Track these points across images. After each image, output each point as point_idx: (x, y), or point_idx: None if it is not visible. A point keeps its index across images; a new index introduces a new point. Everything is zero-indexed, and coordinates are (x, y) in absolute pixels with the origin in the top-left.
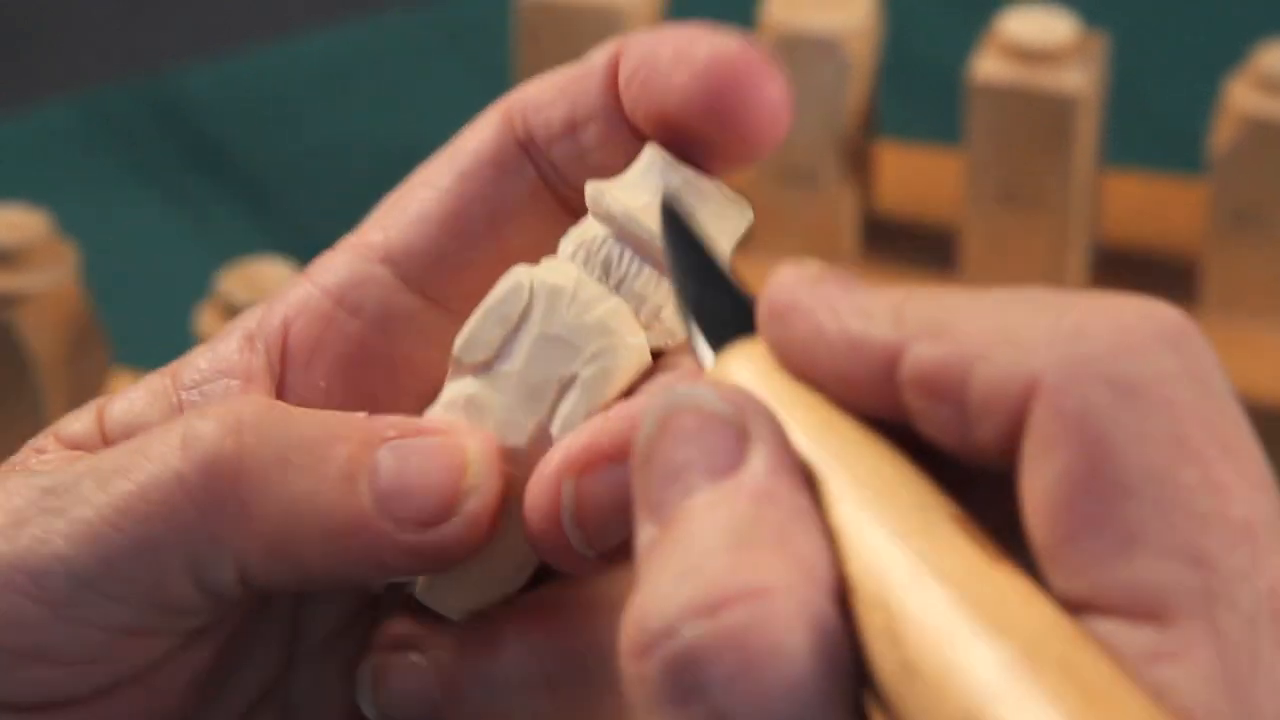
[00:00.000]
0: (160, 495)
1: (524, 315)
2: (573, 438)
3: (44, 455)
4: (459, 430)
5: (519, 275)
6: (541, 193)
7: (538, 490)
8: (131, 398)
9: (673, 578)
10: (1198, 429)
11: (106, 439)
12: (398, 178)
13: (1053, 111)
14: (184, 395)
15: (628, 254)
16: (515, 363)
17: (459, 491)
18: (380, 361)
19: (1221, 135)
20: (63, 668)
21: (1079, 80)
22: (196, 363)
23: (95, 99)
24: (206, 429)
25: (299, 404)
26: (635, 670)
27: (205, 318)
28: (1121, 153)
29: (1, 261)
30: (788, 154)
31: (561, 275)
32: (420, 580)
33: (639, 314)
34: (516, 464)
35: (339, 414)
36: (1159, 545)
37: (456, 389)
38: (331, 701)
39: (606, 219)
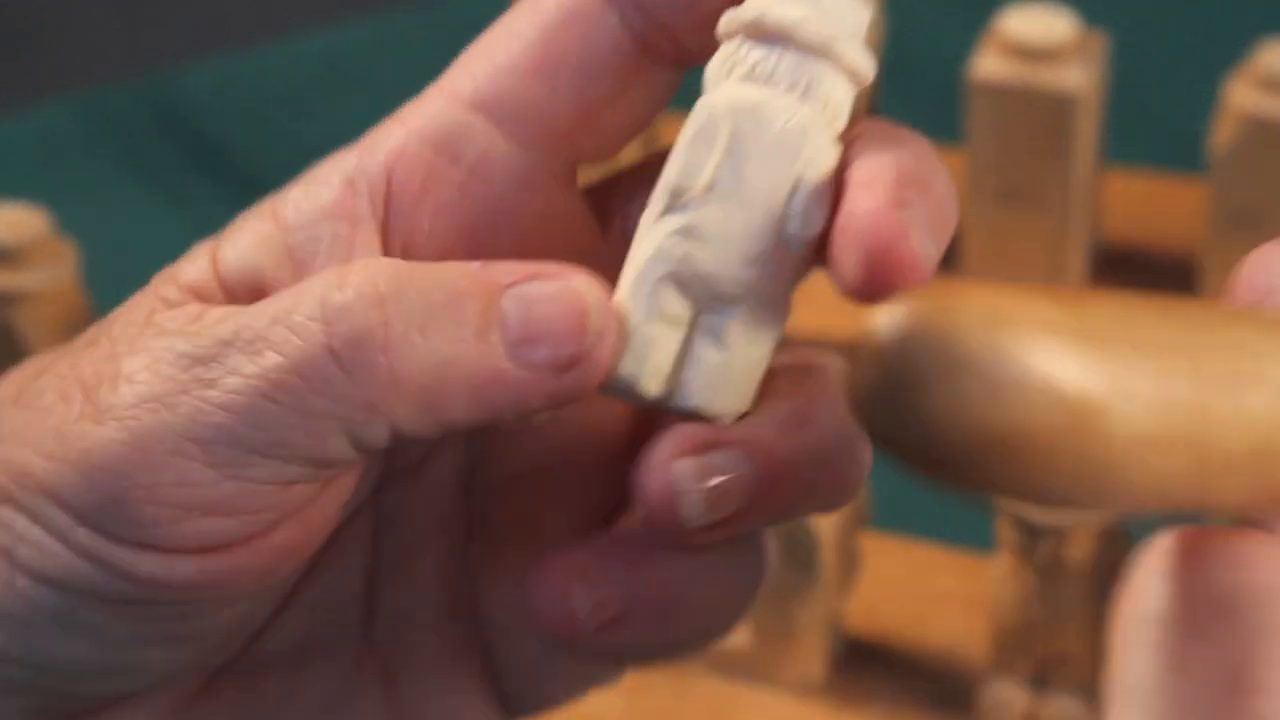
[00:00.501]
0: (313, 370)
1: (732, 137)
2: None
3: (172, 310)
4: (570, 273)
5: (711, 103)
6: (625, 42)
7: (651, 472)
8: (239, 244)
9: None
10: None
11: (224, 285)
12: None
13: (1053, 110)
14: (291, 239)
15: (781, 56)
16: (737, 180)
17: (585, 337)
18: (481, 207)
19: (1221, 134)
20: (227, 518)
21: (1079, 79)
22: (297, 203)
23: (95, 99)
24: (348, 301)
25: (405, 248)
26: None
27: None
28: (1121, 151)
29: (1, 260)
30: None
31: (747, 94)
32: (692, 394)
33: (822, 111)
34: (763, 268)
35: (459, 267)
36: None
37: (671, 223)
38: (417, 511)
39: (751, 26)
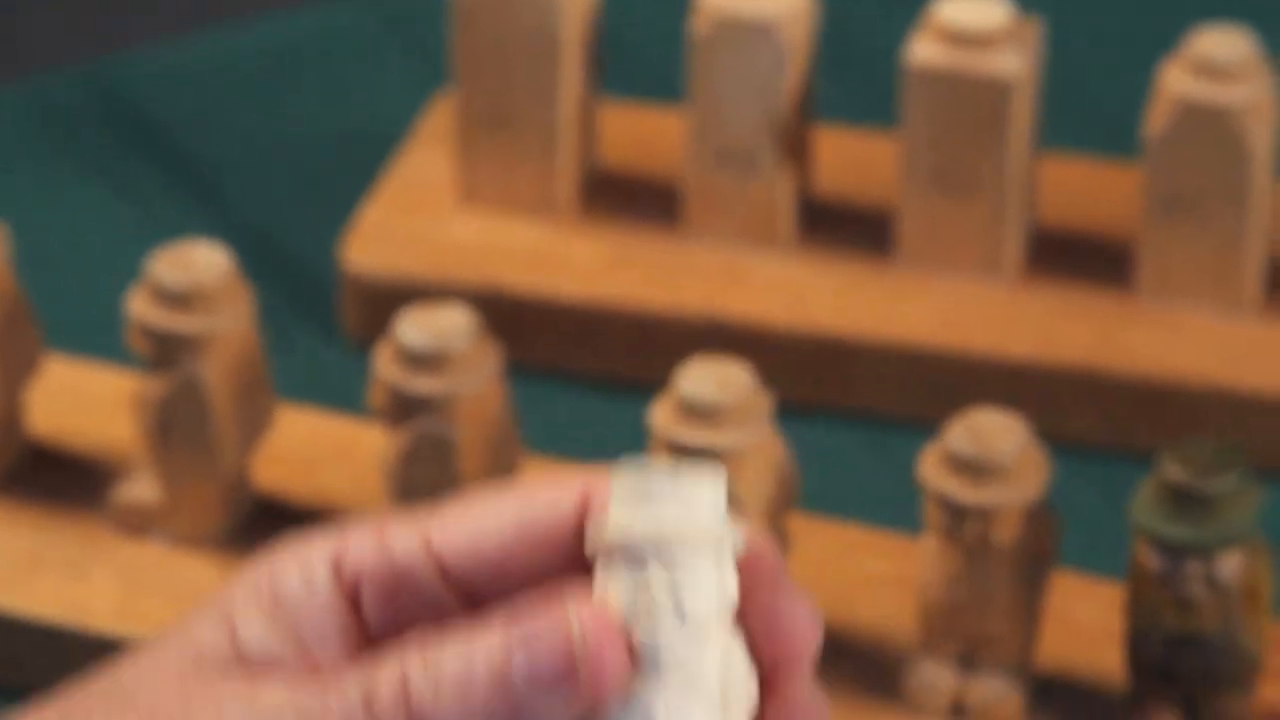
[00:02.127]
0: None
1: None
2: None
3: (216, 688)
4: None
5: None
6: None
7: None
8: (250, 623)
9: None
10: None
11: (242, 658)
12: (340, 164)
13: (988, 96)
14: (299, 627)
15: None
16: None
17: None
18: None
19: (1156, 120)
20: None
21: (1014, 64)
22: (294, 590)
23: (35, 85)
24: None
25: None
26: None
27: (137, 301)
28: (1057, 137)
29: None
30: (724, 137)
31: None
32: None
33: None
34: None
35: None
36: None
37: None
38: None
39: (628, 548)
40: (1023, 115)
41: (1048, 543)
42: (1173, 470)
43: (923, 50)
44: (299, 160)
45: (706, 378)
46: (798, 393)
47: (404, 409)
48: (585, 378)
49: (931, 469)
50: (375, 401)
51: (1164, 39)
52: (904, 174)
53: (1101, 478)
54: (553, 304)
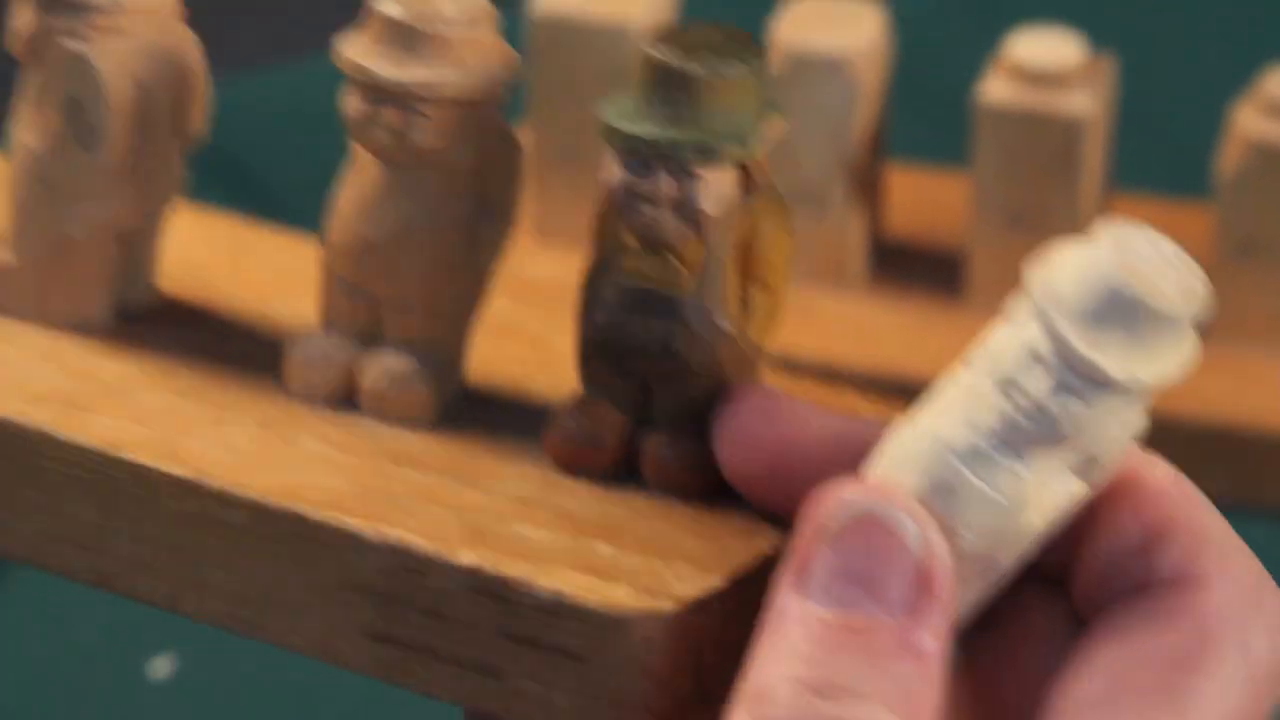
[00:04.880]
0: None
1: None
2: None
3: None
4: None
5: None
6: None
7: None
8: None
9: (810, 685)
10: None
11: None
12: None
13: (1060, 135)
14: None
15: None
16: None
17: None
18: None
19: (1228, 160)
20: None
21: (1086, 103)
22: None
23: None
24: None
25: None
26: None
27: None
28: (1129, 176)
29: None
30: (796, 175)
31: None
32: None
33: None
34: None
35: None
36: None
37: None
38: None
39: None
40: (1094, 154)
41: (508, 192)
42: (656, 50)
43: (994, 88)
44: None
45: None
46: None
47: None
48: None
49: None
50: None
51: (1236, 78)
52: (975, 213)
53: None
54: None
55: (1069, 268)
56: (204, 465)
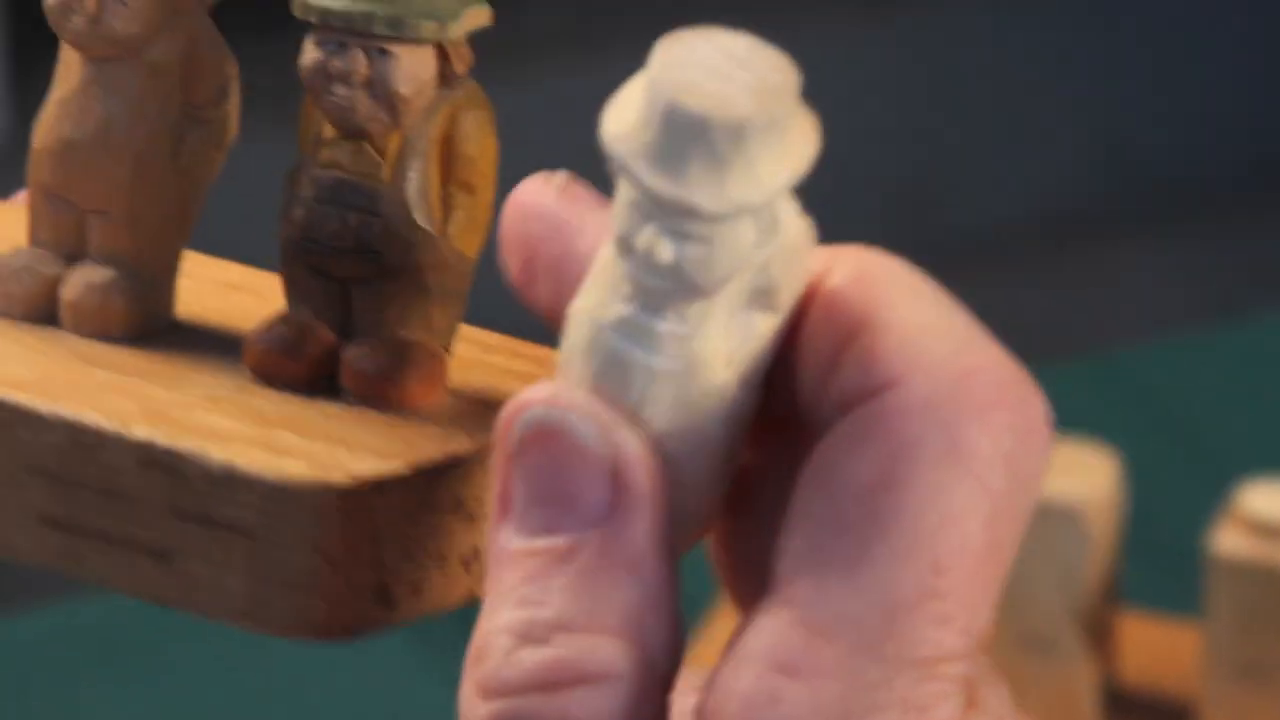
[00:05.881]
0: None
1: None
2: None
3: None
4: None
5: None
6: None
7: None
8: None
9: (518, 632)
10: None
11: None
12: None
13: None
14: None
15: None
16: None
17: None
18: None
19: None
20: None
21: None
22: None
23: None
24: None
25: None
26: (469, 701)
27: None
28: None
29: None
30: (1027, 620)
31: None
32: None
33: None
34: None
35: None
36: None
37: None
38: None
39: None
40: None
41: (220, 104)
42: None
43: (1226, 540)
44: None
45: None
46: None
47: None
48: None
49: None
50: None
51: None
52: (1207, 665)
53: None
54: None
55: (631, 104)
56: None
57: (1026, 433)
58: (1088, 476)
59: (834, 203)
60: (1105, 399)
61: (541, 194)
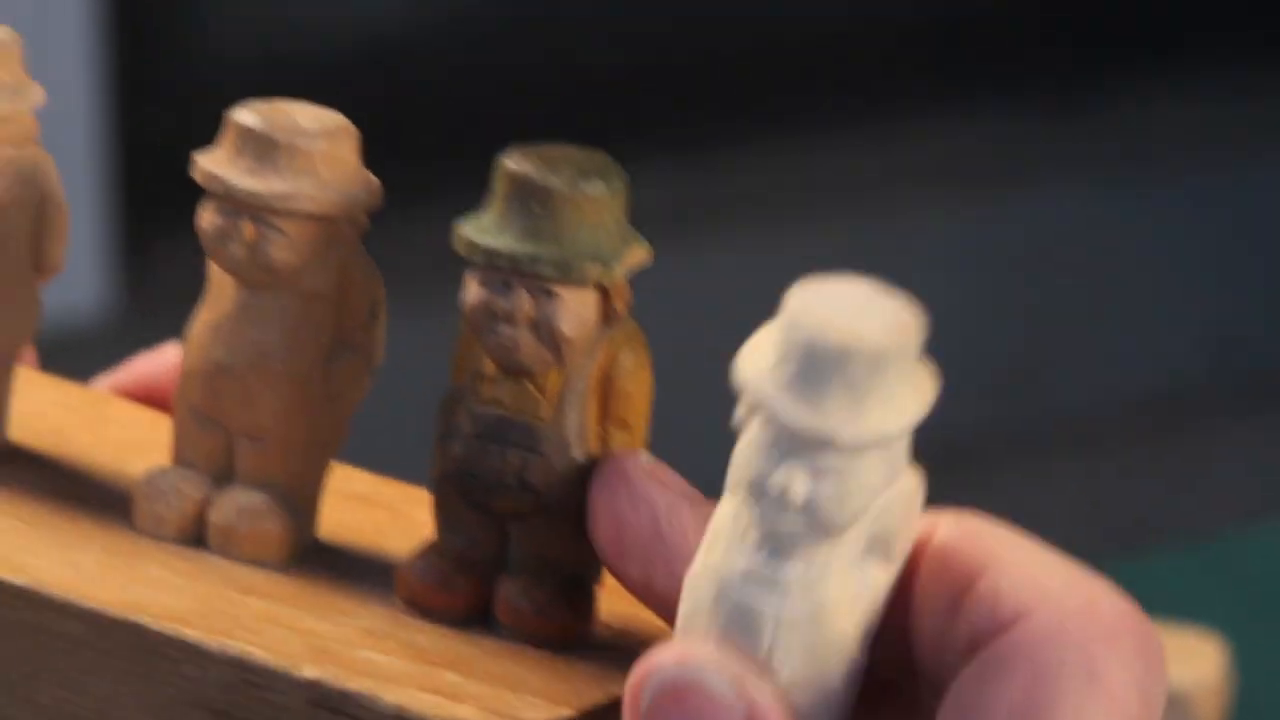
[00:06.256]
0: None
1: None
2: None
3: None
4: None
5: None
6: None
7: None
8: None
9: None
10: None
11: None
12: None
13: None
14: None
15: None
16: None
17: None
18: None
19: None
20: None
21: None
22: None
23: None
24: None
25: None
26: None
27: None
28: None
29: None
30: None
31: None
32: None
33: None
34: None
35: None
36: None
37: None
38: None
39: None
40: None
41: (370, 328)
42: (515, 162)
43: None
44: None
45: None
46: None
47: None
48: None
49: None
50: None
51: None
52: None
53: None
54: None
55: (765, 345)
56: (44, 578)
57: (1151, 658)
58: (1195, 664)
59: (939, 384)
60: (1210, 585)
61: (633, 472)
